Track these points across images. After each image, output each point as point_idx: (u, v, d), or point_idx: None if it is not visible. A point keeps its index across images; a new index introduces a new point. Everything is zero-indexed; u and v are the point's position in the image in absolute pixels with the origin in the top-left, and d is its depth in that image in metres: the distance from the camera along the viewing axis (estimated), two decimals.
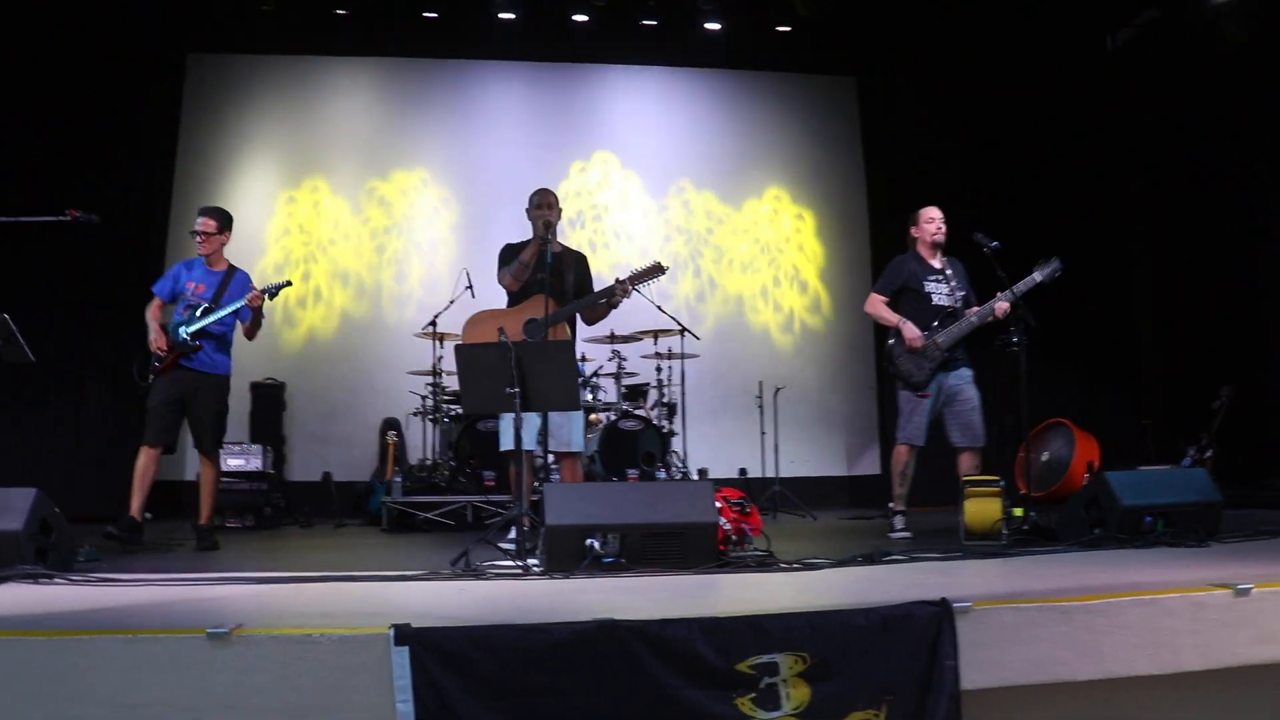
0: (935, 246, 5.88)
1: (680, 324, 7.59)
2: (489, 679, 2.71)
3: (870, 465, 9.02)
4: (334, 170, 8.84)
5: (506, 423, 5.19)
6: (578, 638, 2.77)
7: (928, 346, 5.69)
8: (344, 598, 3.39)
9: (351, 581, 3.75)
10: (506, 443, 5.23)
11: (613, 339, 7.59)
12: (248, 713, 2.59)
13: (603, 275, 8.53)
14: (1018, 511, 5.12)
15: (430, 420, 7.69)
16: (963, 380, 5.76)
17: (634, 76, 9.44)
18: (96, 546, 4.71)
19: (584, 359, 7.34)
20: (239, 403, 7.98)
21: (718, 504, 4.62)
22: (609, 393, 7.75)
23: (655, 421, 7.50)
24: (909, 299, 5.84)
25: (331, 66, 8.90)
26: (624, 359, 7.70)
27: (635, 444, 7.18)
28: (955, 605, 2.99)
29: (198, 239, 5.51)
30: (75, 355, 7.55)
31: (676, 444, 7.96)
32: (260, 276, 8.56)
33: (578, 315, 5.49)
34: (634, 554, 4.07)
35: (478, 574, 3.98)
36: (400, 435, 8.20)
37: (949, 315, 5.74)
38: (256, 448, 7.07)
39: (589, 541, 3.99)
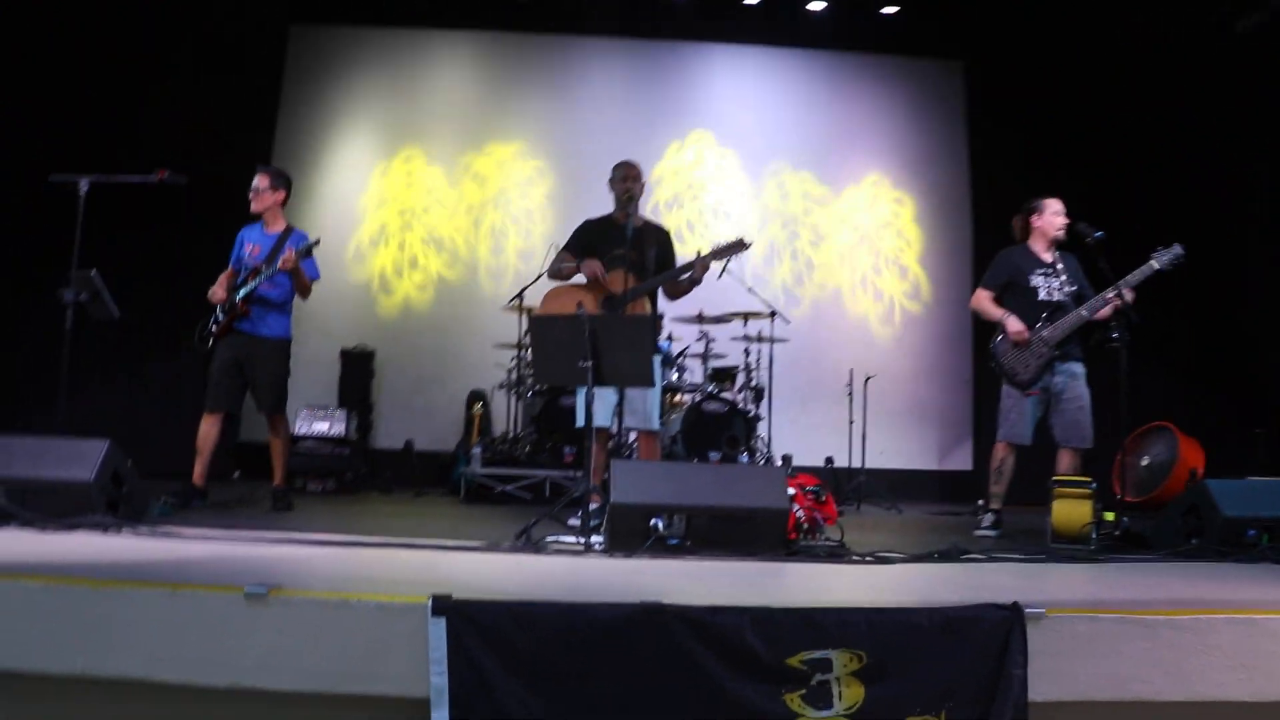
0: (1054, 241, 5.57)
1: (772, 307, 7.42)
2: (526, 657, 2.64)
3: (963, 460, 8.70)
4: (431, 141, 8.90)
5: (593, 396, 5.13)
6: (621, 620, 2.68)
7: (1033, 342, 5.42)
8: (393, 564, 3.37)
9: (407, 549, 3.74)
10: (591, 419, 5.17)
11: (701, 319, 7.46)
12: (283, 674, 2.59)
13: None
14: (1109, 516, 4.82)
15: (514, 393, 7.70)
16: (1071, 376, 5.46)
17: (735, 55, 9.26)
18: (170, 502, 4.81)
19: (670, 338, 7.24)
20: (329, 368, 8.20)
21: (791, 490, 4.50)
22: (695, 374, 7.62)
23: (741, 405, 7.36)
24: (1014, 294, 5.57)
25: (431, 39, 8.96)
26: (712, 340, 7.55)
27: (719, 427, 7.04)
28: (1028, 611, 2.80)
29: (253, 196, 5.43)
30: (172, 320, 7.71)
31: (762, 429, 7.81)
32: (355, 244, 8.77)
33: (659, 291, 5.39)
34: (699, 537, 3.96)
35: (537, 549, 3.93)
36: (486, 407, 8.24)
37: (1057, 309, 5.44)
38: (341, 413, 7.17)
39: (653, 522, 3.90)
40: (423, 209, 8.88)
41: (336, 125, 8.86)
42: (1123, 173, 8.10)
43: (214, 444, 5.34)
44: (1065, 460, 5.49)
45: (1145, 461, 6.97)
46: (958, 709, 2.76)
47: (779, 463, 7.35)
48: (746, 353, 7.58)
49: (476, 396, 8.26)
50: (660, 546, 3.91)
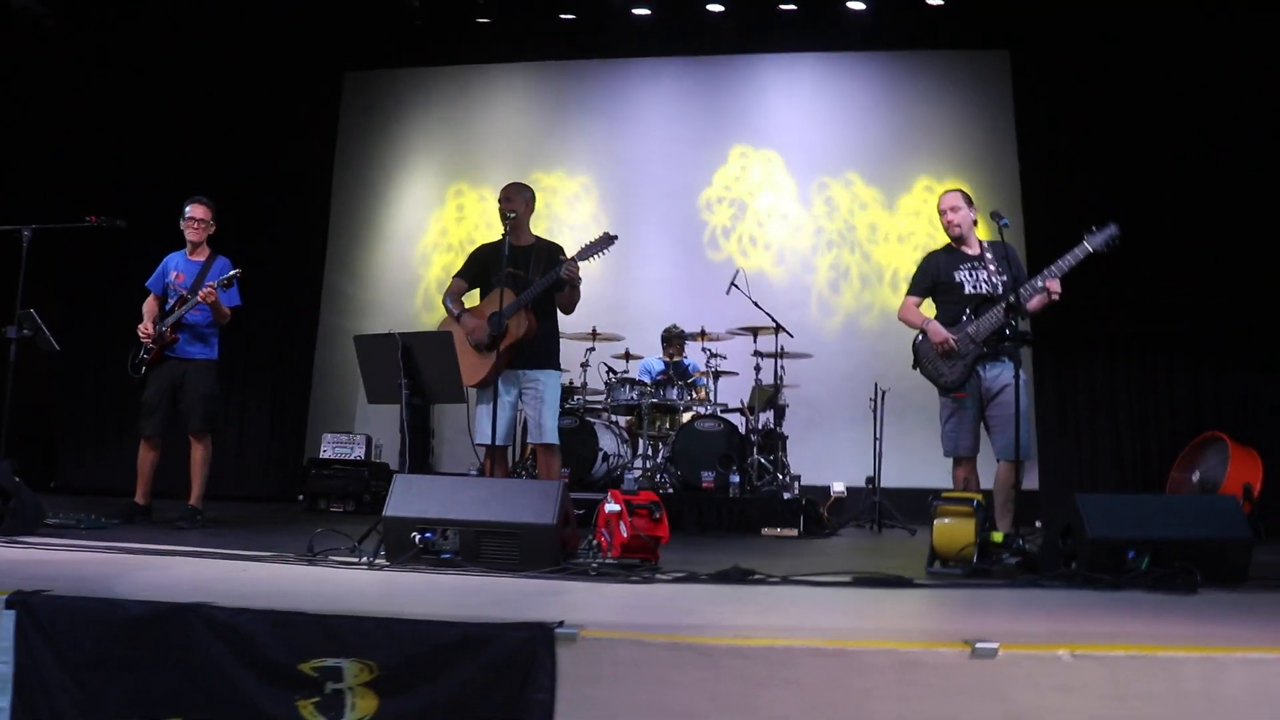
0: (958, 239, 5.10)
1: (775, 321, 7.10)
2: (71, 649, 2.79)
3: (1027, 479, 7.77)
4: (488, 174, 9.21)
5: (481, 414, 5.22)
6: (152, 616, 2.78)
7: (960, 341, 4.88)
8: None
9: (191, 558, 4.00)
10: (479, 435, 5.26)
11: (703, 336, 7.27)
12: None
13: (757, 272, 8.29)
14: (997, 537, 4.24)
15: None
16: (1002, 378, 4.87)
17: (779, 64, 9.03)
18: (104, 515, 5.34)
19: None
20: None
21: (616, 506, 4.34)
22: (715, 393, 7.39)
23: (751, 425, 7.10)
24: (942, 294, 5.11)
25: (483, 74, 9.35)
26: (722, 357, 7.33)
27: (713, 445, 6.80)
28: (558, 631, 2.60)
29: (193, 225, 5.70)
30: (243, 355, 8.50)
31: (795, 448, 7.46)
32: (424, 285, 9.29)
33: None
34: (470, 552, 3.94)
35: (312, 560, 4.05)
36: None
37: (985, 302, 4.89)
38: (360, 437, 7.62)
39: (413, 535, 3.92)
40: (482, 241, 9.15)
41: (394, 165, 9.41)
42: (1183, 153, 7.11)
43: (153, 466, 5.68)
44: (1003, 474, 4.92)
45: (1196, 477, 6.00)
46: None
47: (782, 482, 6.95)
48: (756, 369, 7.26)
49: None
50: (433, 561, 3.93)
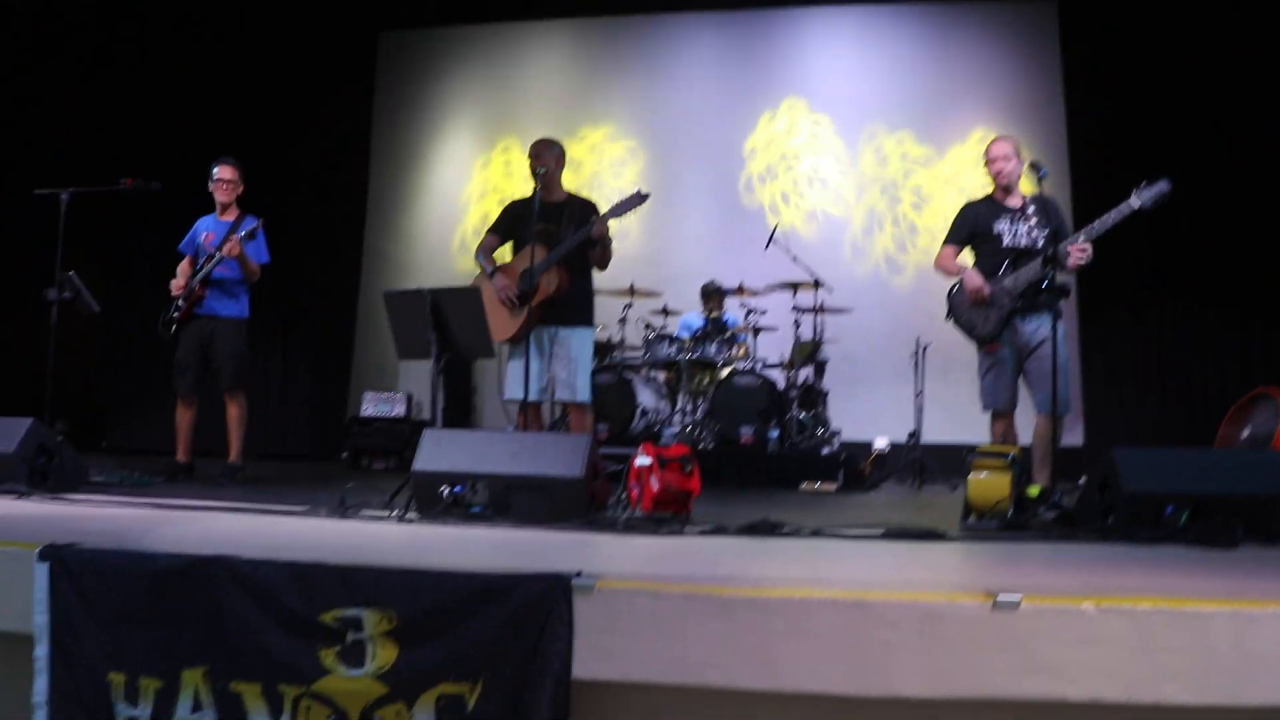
0: (1005, 189, 4.95)
1: (815, 276, 7.01)
2: (101, 600, 2.85)
3: (1072, 435, 7.64)
4: (527, 131, 9.00)
5: (512, 370, 5.22)
6: (177, 568, 2.82)
7: (996, 293, 4.79)
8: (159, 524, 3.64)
9: (224, 512, 4.04)
10: (509, 392, 5.26)
11: (741, 292, 7.19)
12: None
13: (797, 228, 8.22)
14: (1033, 491, 4.16)
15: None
16: (1040, 331, 4.76)
17: (824, 17, 8.85)
18: (149, 472, 5.42)
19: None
20: None
21: (648, 460, 4.32)
22: (755, 348, 7.33)
23: (790, 380, 7.03)
24: (979, 245, 5.02)
25: (521, 31, 9.26)
26: (761, 312, 7.25)
27: (751, 400, 6.76)
28: (575, 582, 2.60)
29: (221, 186, 5.75)
30: (286, 314, 8.63)
31: (836, 404, 7.39)
32: (460, 237, 9.32)
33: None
34: (499, 505, 3.95)
35: (344, 514, 4.09)
36: None
37: (1023, 255, 4.78)
38: (400, 395, 7.69)
39: (442, 489, 3.95)
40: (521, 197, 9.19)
41: (432, 124, 9.38)
42: (1236, 108, 6.86)
43: (190, 424, 5.75)
44: (1040, 427, 4.83)
45: (1247, 434, 5.84)
46: (494, 680, 2.62)
47: (821, 437, 6.88)
48: (796, 324, 7.18)
49: None
50: (462, 515, 3.94)
